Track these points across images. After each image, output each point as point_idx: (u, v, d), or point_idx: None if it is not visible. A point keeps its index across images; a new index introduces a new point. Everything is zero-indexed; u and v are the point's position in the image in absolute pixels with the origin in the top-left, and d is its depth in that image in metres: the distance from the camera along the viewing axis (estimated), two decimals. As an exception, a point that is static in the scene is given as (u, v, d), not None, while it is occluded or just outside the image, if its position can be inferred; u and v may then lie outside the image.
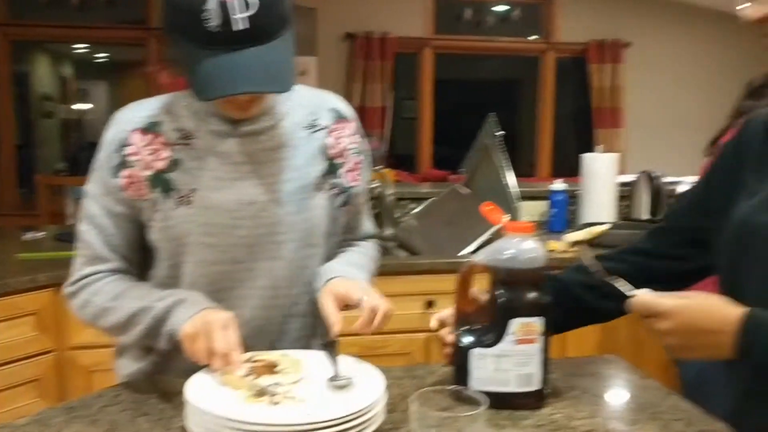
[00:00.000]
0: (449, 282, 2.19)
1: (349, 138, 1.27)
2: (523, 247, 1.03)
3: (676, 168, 5.17)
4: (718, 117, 4.84)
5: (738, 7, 0.90)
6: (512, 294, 1.02)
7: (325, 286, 1.17)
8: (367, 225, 1.38)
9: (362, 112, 5.91)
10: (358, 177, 1.28)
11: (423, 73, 6.18)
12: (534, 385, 1.03)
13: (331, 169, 1.24)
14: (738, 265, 0.98)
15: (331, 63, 5.91)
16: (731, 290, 0.93)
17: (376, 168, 2.66)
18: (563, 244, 2.35)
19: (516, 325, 1.01)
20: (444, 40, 6.12)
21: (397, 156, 6.47)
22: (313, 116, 1.24)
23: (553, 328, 1.04)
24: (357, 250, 1.34)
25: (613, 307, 0.99)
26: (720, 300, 0.87)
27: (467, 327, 1.06)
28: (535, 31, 6.35)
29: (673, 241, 1.15)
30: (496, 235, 2.26)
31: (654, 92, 6.08)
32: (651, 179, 2.75)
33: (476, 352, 1.04)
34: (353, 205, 1.29)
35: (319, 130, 1.23)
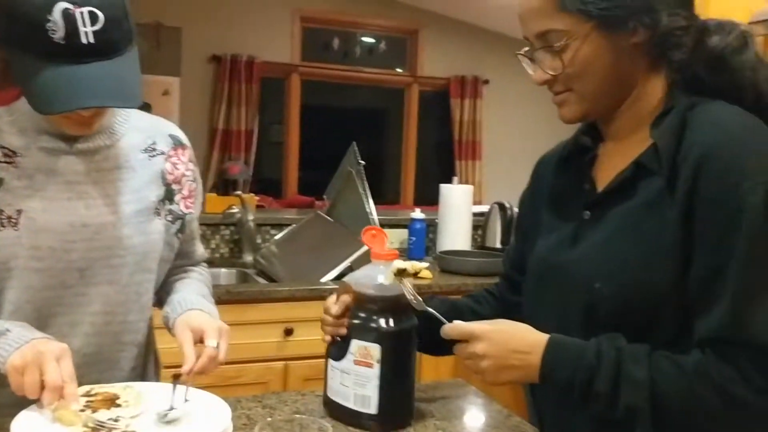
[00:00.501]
0: (309, 309, 2.20)
1: (186, 165, 1.26)
2: (378, 274, 1.06)
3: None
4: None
5: (529, 71, 0.98)
6: (360, 316, 1.05)
7: (180, 317, 1.15)
8: (200, 250, 1.38)
9: (227, 135, 5.82)
10: (192, 204, 1.27)
11: (290, 99, 6.19)
12: (371, 409, 1.05)
13: (168, 195, 1.22)
14: (538, 305, 1.06)
15: (195, 84, 5.78)
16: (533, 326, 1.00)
17: (237, 193, 2.62)
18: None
19: (354, 346, 1.05)
20: (311, 68, 6.17)
21: (263, 180, 6.40)
22: (151, 140, 1.22)
23: (431, 350, 1.15)
24: (197, 278, 1.33)
25: None
26: (526, 325, 0.95)
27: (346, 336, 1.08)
28: (400, 64, 6.55)
29: (508, 288, 1.22)
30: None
31: (509, 127, 6.44)
32: (503, 209, 2.90)
33: (329, 361, 1.09)
34: (188, 231, 1.28)
35: (157, 155, 1.22)
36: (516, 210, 2.95)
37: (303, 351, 2.16)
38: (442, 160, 6.51)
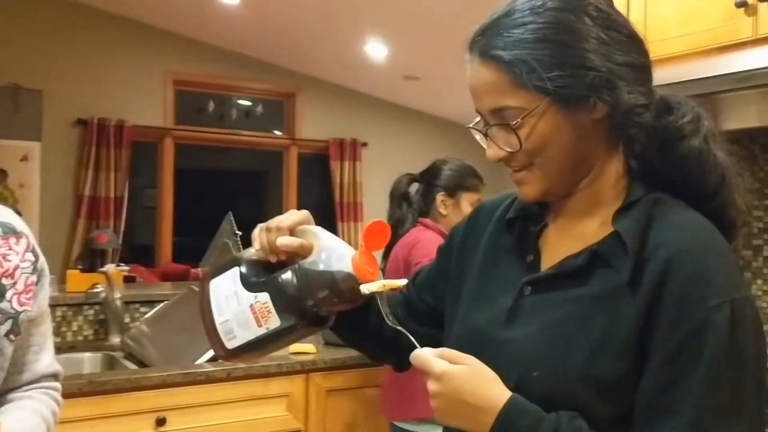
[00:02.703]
0: (183, 395, 2.03)
1: (21, 255, 1.11)
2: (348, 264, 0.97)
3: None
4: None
5: (483, 145, 0.93)
6: (300, 276, 0.96)
7: None
8: (45, 362, 1.18)
9: (94, 202, 5.49)
10: (28, 300, 1.10)
11: (163, 163, 5.96)
12: (228, 344, 0.99)
13: None
14: None
15: (59, 149, 5.45)
16: None
17: (102, 269, 2.42)
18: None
19: (265, 297, 0.97)
20: (186, 131, 5.99)
21: (135, 248, 6.07)
22: None
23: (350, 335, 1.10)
24: (30, 406, 1.13)
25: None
26: (492, 375, 0.85)
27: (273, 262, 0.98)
28: (279, 126, 6.50)
29: (407, 312, 1.13)
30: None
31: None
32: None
33: (237, 269, 1.00)
34: (24, 335, 1.11)
35: None
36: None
37: (178, 443, 1.98)
38: (324, 222, 6.44)
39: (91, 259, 5.57)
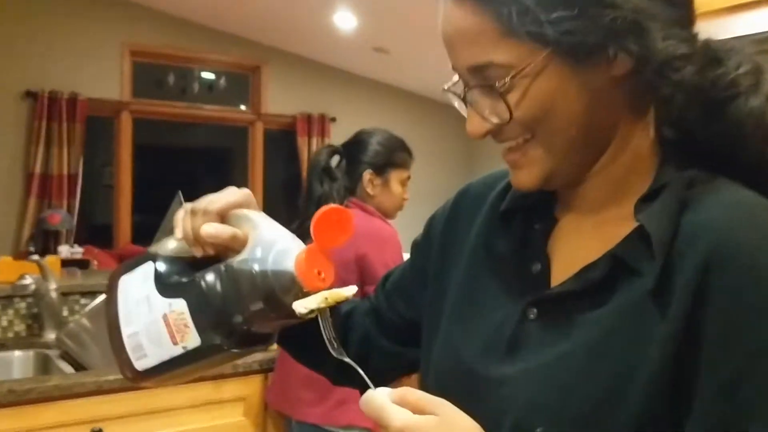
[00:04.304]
0: (122, 403, 1.80)
1: None
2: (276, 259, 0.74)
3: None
4: (420, 190, 5.05)
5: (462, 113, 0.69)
6: (226, 280, 0.73)
7: None
8: None
9: (45, 180, 5.16)
10: None
11: (120, 139, 5.64)
12: (139, 365, 0.76)
13: None
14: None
15: (6, 123, 5.10)
16: None
17: (33, 257, 2.16)
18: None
19: (181, 304, 0.73)
20: (144, 105, 5.67)
21: (92, 228, 5.77)
22: None
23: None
24: None
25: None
26: (472, 427, 0.60)
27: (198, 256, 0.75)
28: (243, 101, 6.21)
29: (374, 322, 0.91)
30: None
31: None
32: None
33: (150, 265, 0.76)
34: None
35: None
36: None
37: (117, 456, 1.75)
38: (291, 200, 6.22)
39: (44, 241, 5.29)
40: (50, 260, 2.23)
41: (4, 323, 2.17)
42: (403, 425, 0.58)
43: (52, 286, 2.14)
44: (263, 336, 0.78)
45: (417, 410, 0.59)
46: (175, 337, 0.74)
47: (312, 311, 0.68)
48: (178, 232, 0.77)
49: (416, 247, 0.89)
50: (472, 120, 0.67)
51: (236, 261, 0.72)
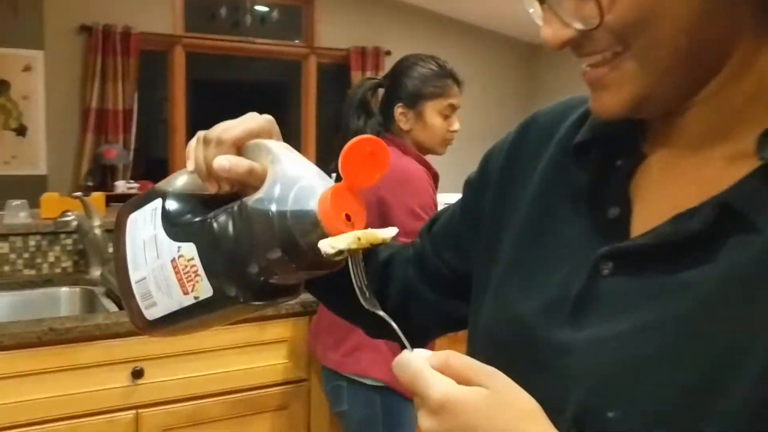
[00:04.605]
0: (163, 344, 1.77)
1: None
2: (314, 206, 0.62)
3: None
4: (474, 127, 4.88)
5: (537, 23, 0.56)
6: (240, 222, 0.62)
7: None
8: None
9: (102, 116, 5.19)
10: None
11: (173, 74, 5.60)
12: (149, 315, 0.69)
13: None
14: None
15: (63, 58, 5.11)
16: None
17: (76, 194, 2.13)
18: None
19: (190, 248, 0.64)
20: (197, 39, 5.59)
21: (150, 163, 5.82)
22: None
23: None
24: None
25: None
26: (530, 407, 0.48)
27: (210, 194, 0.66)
28: (296, 35, 6.07)
29: (417, 271, 0.79)
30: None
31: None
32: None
33: (155, 209, 0.67)
34: None
35: None
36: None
37: (158, 396, 1.73)
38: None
39: (101, 176, 5.37)
40: (95, 197, 2.21)
41: (51, 259, 2.17)
42: (443, 398, 0.47)
43: (96, 222, 2.11)
44: (288, 288, 0.68)
45: (461, 380, 0.48)
46: (185, 286, 0.65)
47: (341, 252, 0.57)
48: (190, 165, 0.67)
49: (469, 186, 0.76)
50: (550, 25, 0.53)
51: (251, 200, 0.61)
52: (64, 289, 2.09)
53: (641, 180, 0.58)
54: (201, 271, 0.64)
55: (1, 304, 2.00)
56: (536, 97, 6.45)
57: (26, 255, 2.12)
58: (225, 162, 0.62)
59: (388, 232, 0.59)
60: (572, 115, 0.66)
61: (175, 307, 0.67)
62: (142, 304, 0.69)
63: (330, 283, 0.69)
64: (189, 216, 0.67)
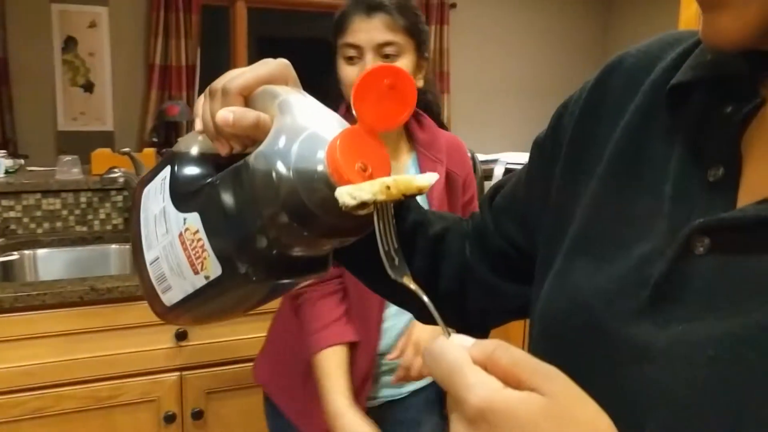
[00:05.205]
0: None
1: None
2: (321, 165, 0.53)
3: (502, 135, 4.99)
4: (543, 84, 4.65)
5: None
6: (243, 183, 0.53)
7: None
8: None
9: (165, 72, 5.20)
10: None
11: (236, 30, 5.55)
12: (167, 300, 0.61)
13: None
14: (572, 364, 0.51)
15: (127, 14, 5.12)
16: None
17: (125, 150, 2.10)
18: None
19: (195, 219, 0.55)
20: (258, -7, 5.52)
21: (213, 121, 5.84)
22: None
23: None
24: None
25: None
26: (598, 422, 0.35)
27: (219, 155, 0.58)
28: (359, -12, 5.91)
29: (477, 247, 0.69)
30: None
31: (479, 57, 5.87)
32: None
33: (164, 178, 0.60)
34: None
35: None
36: (478, 159, 2.46)
37: (201, 358, 1.69)
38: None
39: (165, 133, 5.40)
40: (145, 153, 2.16)
41: (102, 216, 2.15)
42: (483, 403, 0.35)
43: (145, 179, 2.08)
44: (314, 258, 0.58)
45: (510, 381, 0.36)
46: (195, 264, 0.56)
47: (365, 205, 0.46)
48: (198, 123, 0.58)
49: (538, 148, 0.64)
50: None
51: (252, 156, 0.52)
52: (114, 247, 2.07)
53: (756, 133, 0.45)
54: (207, 246, 0.55)
55: (53, 260, 1.99)
56: (611, 48, 6.12)
57: (77, 211, 2.11)
58: (228, 114, 0.53)
59: (427, 179, 0.47)
60: (669, 53, 0.53)
61: (189, 290, 0.58)
62: (158, 288, 0.61)
63: (357, 250, 0.58)
64: (197, 182, 0.58)
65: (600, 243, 0.51)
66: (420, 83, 1.39)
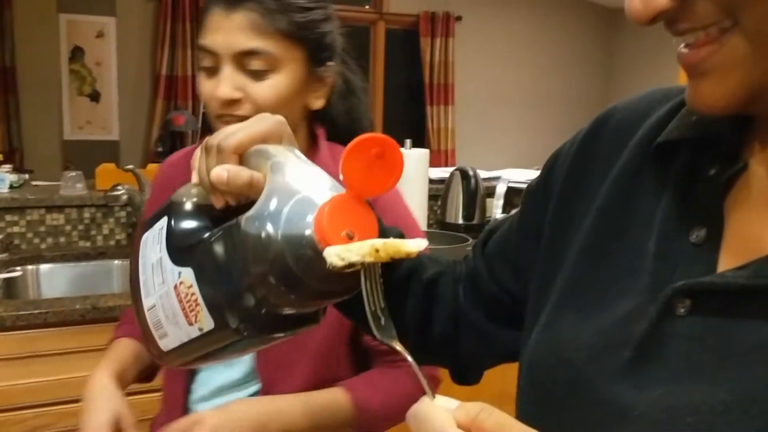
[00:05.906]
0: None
1: None
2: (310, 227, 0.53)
3: (506, 147, 4.99)
4: (547, 97, 4.66)
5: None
6: (235, 242, 0.54)
7: None
8: None
9: (171, 82, 5.24)
10: None
11: (241, 40, 5.58)
12: (163, 346, 0.62)
13: None
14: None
15: (134, 25, 5.17)
16: None
17: (129, 167, 2.11)
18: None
19: (189, 274, 0.56)
20: (264, 4, 5.54)
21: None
22: None
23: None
24: None
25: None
26: None
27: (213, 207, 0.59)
28: (365, 0, 5.94)
29: (470, 292, 0.70)
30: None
31: (483, 69, 5.89)
32: (466, 177, 2.41)
33: (161, 228, 0.60)
34: None
35: None
36: (480, 177, 2.47)
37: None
38: (413, 106, 5.98)
39: (171, 143, 5.43)
40: (149, 169, 2.18)
41: (105, 231, 2.16)
42: None
43: (147, 196, 2.09)
44: (304, 314, 0.59)
45: None
46: (189, 316, 0.57)
47: (352, 266, 0.47)
48: (194, 176, 0.59)
49: (530, 195, 0.65)
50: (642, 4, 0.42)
51: (243, 218, 0.53)
52: (117, 262, 2.08)
53: (738, 196, 0.46)
54: (200, 300, 0.56)
55: (56, 276, 2.01)
56: (616, 64, 6.13)
57: (81, 227, 2.12)
58: (223, 173, 0.54)
59: (416, 244, 0.49)
60: (657, 110, 0.54)
61: (184, 339, 0.59)
62: (155, 334, 0.62)
63: (346, 304, 0.59)
64: (192, 236, 0.59)
65: (585, 297, 0.51)
66: (319, 103, 1.09)
